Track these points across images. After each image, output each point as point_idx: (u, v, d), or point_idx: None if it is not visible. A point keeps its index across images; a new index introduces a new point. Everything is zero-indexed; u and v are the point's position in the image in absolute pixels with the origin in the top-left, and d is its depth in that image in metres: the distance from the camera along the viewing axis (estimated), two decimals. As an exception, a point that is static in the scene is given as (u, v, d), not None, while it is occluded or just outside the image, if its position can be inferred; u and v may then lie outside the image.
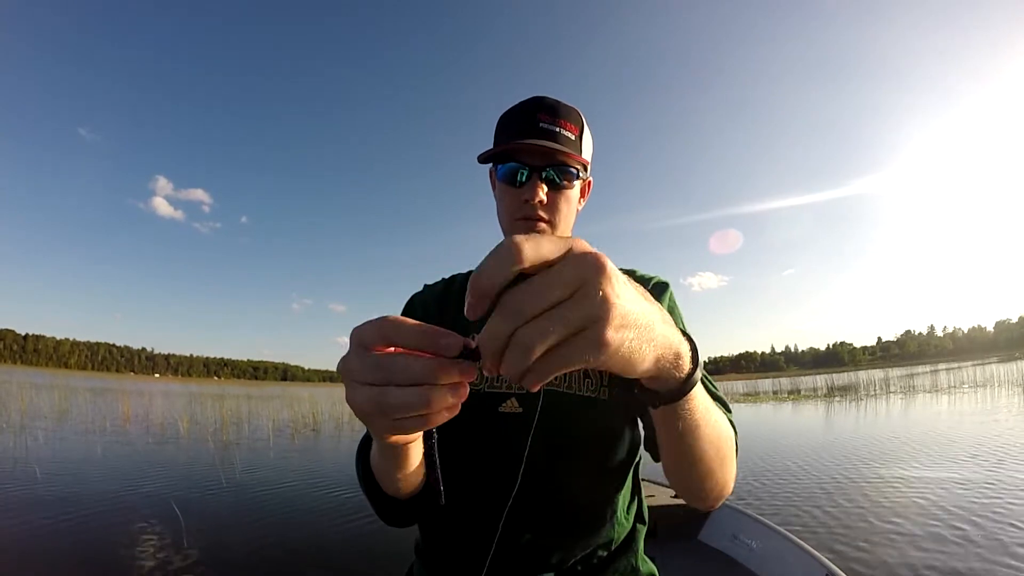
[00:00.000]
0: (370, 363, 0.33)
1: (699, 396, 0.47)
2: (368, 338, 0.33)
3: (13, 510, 4.52)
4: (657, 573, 0.80)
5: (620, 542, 0.76)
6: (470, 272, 0.89)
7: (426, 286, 0.90)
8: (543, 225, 0.78)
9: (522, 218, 0.78)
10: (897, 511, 4.34)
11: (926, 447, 7.50)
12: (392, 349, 0.33)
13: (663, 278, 0.85)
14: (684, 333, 0.42)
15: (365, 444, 0.69)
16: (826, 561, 2.10)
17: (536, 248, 0.28)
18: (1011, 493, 4.70)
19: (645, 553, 0.81)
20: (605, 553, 0.74)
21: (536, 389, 0.30)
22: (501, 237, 0.83)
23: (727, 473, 0.60)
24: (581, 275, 0.28)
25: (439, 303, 0.86)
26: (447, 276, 0.92)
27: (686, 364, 0.41)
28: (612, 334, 0.29)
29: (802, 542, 2.32)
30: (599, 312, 0.28)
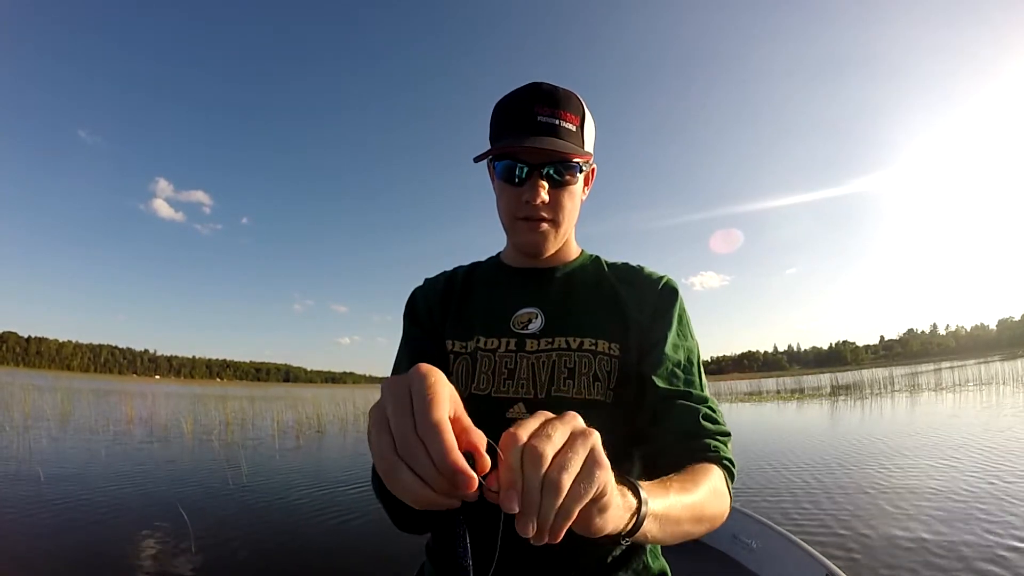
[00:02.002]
0: (399, 434, 0.34)
1: (656, 520, 0.50)
2: (406, 400, 0.35)
3: (17, 512, 4.53)
4: (669, 571, 0.78)
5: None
6: (472, 264, 0.91)
7: (427, 280, 0.90)
8: (546, 226, 0.76)
9: (523, 218, 0.76)
10: (900, 511, 4.32)
11: (930, 447, 7.46)
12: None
13: (672, 280, 0.81)
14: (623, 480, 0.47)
15: None
16: (826, 561, 2.09)
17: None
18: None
19: None
20: (616, 552, 0.72)
21: (559, 538, 0.38)
22: (502, 233, 0.84)
23: (710, 528, 0.62)
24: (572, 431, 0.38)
25: (441, 298, 0.86)
26: (448, 269, 0.92)
27: (633, 505, 0.46)
28: (603, 455, 0.39)
29: (802, 542, 2.31)
30: (597, 455, 0.38)
